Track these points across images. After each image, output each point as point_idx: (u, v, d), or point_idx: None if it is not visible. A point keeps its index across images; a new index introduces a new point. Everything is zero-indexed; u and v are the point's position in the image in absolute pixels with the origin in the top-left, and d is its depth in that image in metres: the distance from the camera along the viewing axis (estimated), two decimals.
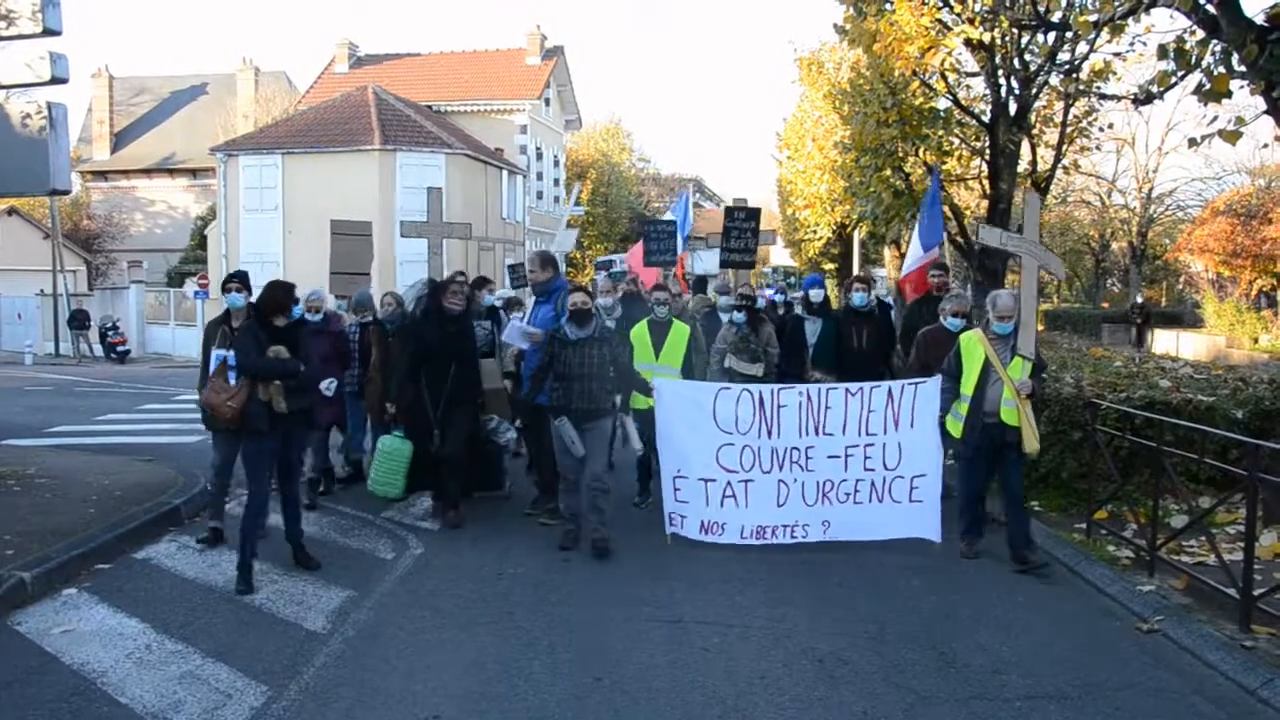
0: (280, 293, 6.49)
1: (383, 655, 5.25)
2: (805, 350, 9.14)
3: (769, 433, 7.27)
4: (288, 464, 6.66)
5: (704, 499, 7.31)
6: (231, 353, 6.43)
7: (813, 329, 9.26)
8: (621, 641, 5.47)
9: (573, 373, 7.14)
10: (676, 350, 8.30)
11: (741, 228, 10.97)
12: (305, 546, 6.85)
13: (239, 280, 7.02)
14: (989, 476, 7.26)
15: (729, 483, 7.30)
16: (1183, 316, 35.92)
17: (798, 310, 9.80)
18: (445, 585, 6.45)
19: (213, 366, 6.71)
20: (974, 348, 7.02)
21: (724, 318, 9.60)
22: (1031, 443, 6.81)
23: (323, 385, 7.66)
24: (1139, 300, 33.39)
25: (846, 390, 7.33)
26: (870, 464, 7.29)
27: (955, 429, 7.15)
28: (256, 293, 6.71)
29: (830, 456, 7.29)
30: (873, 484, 7.30)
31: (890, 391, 7.30)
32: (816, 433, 7.28)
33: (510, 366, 8.83)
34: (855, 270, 30.27)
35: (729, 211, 11.19)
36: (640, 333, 8.36)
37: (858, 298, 9.08)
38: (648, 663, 5.17)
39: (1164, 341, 29.83)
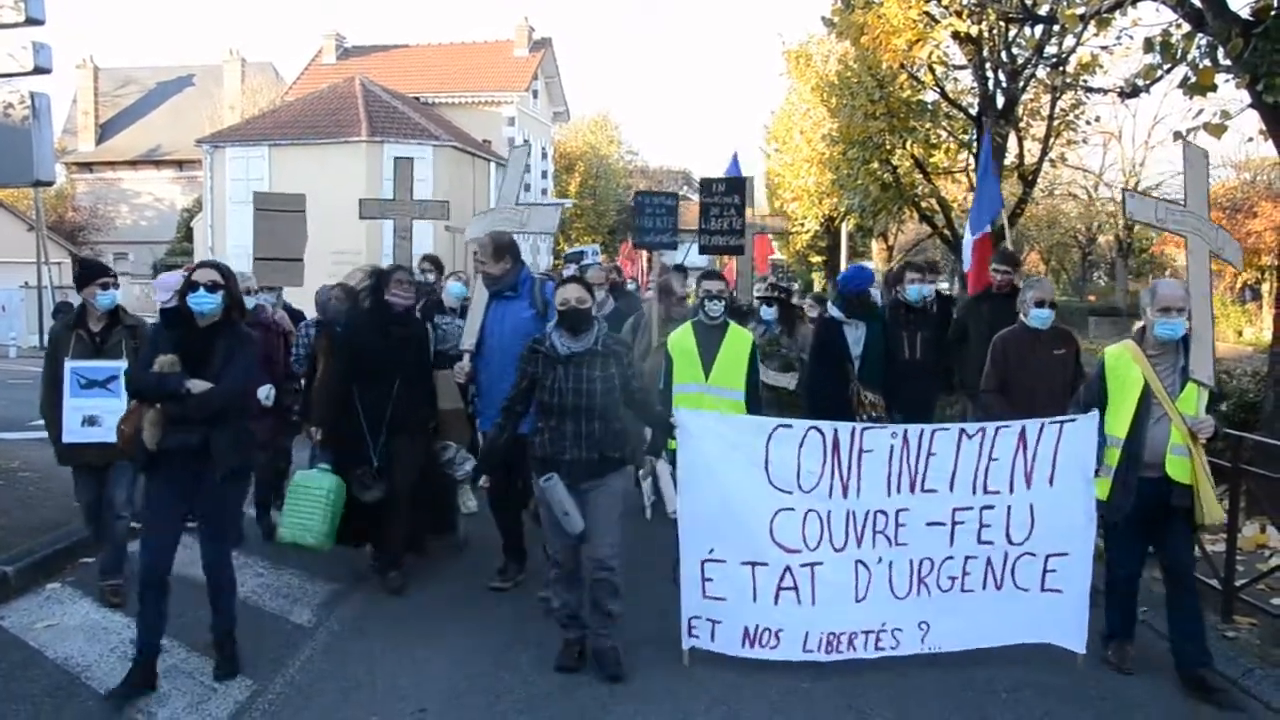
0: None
1: (369, 649, 5.24)
2: (849, 364, 6.99)
3: (844, 490, 4.94)
4: (207, 526, 4.87)
5: (750, 593, 4.93)
6: (93, 364, 5.46)
7: (854, 336, 7.08)
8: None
9: (565, 405, 4.83)
10: (736, 365, 6.03)
11: (722, 204, 8.47)
12: (226, 642, 4.95)
13: (102, 272, 5.70)
14: (1145, 554, 5.25)
15: (788, 568, 4.94)
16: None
17: (831, 310, 7.38)
18: (431, 582, 6.43)
19: (67, 384, 5.57)
20: (1126, 369, 5.01)
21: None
22: (1213, 509, 4.92)
23: (261, 394, 6.57)
24: None
25: (961, 431, 5.04)
26: (987, 535, 5.03)
27: (1100, 488, 5.05)
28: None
29: (930, 524, 5.00)
30: (989, 564, 5.06)
31: (1023, 433, 4.99)
32: (913, 489, 4.97)
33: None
34: (843, 264, 30.30)
35: (705, 185, 8.66)
36: (682, 341, 6.16)
37: (914, 290, 7.16)
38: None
39: None
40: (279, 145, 28.86)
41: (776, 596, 4.95)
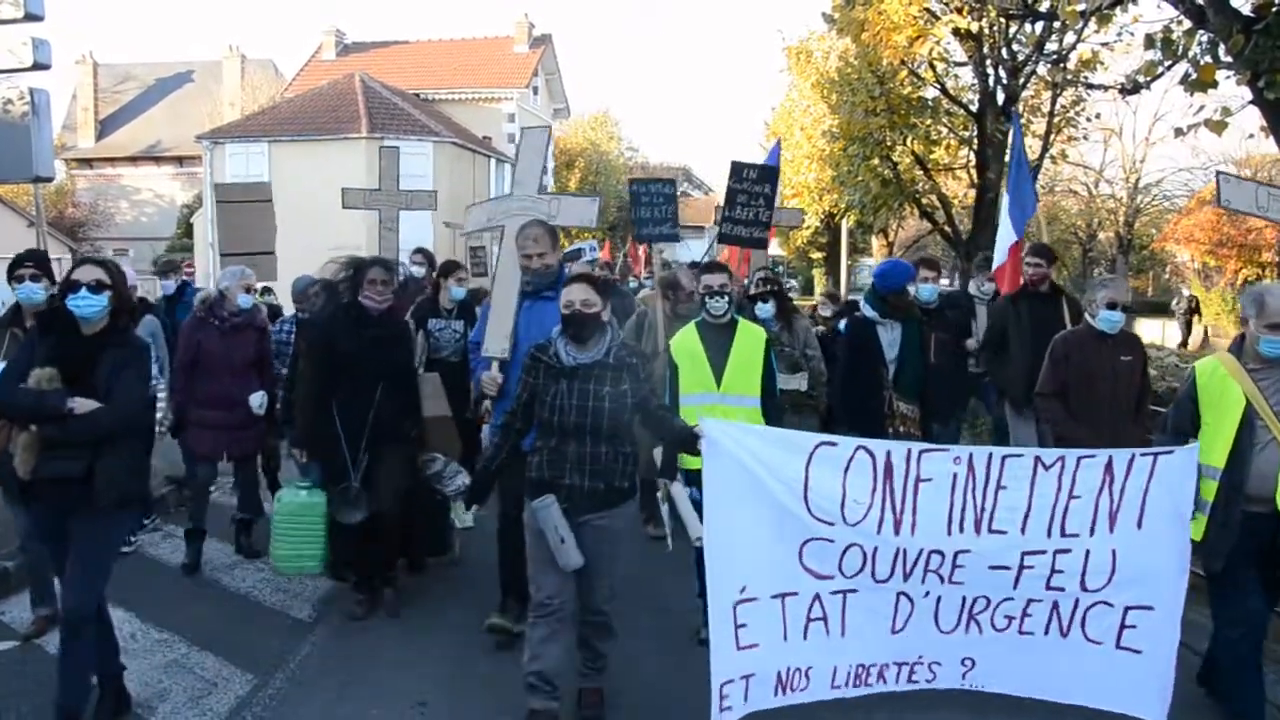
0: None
1: (369, 643, 5.25)
2: (883, 369, 6.38)
3: (896, 525, 4.10)
4: (80, 568, 3.98)
5: (780, 630, 4.15)
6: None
7: (890, 338, 6.45)
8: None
9: (568, 424, 4.20)
10: (750, 370, 5.29)
11: (751, 192, 7.79)
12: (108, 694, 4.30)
13: (35, 264, 4.94)
14: (1267, 609, 4.37)
15: (818, 596, 4.18)
16: (1168, 306, 36.12)
17: (864, 308, 6.71)
18: (431, 579, 6.44)
19: None
20: (1223, 386, 4.37)
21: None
22: None
23: (253, 402, 6.37)
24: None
25: (1038, 460, 4.15)
26: (1059, 580, 4.18)
27: (1195, 528, 4.30)
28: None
29: (994, 568, 4.16)
30: (1055, 608, 4.24)
31: (1110, 466, 4.12)
32: (978, 529, 4.13)
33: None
34: (843, 260, 30.33)
35: (735, 169, 7.87)
36: (687, 344, 5.37)
37: (927, 290, 6.82)
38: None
39: (1150, 331, 29.99)
40: (279, 142, 28.84)
41: (806, 630, 4.16)
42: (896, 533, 4.09)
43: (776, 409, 5.46)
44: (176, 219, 40.18)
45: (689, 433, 4.13)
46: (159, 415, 6.42)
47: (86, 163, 44.76)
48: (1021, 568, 4.15)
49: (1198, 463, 4.20)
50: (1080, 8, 9.11)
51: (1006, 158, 14.40)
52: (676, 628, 5.39)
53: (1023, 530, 4.13)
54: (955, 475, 4.10)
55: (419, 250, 8.84)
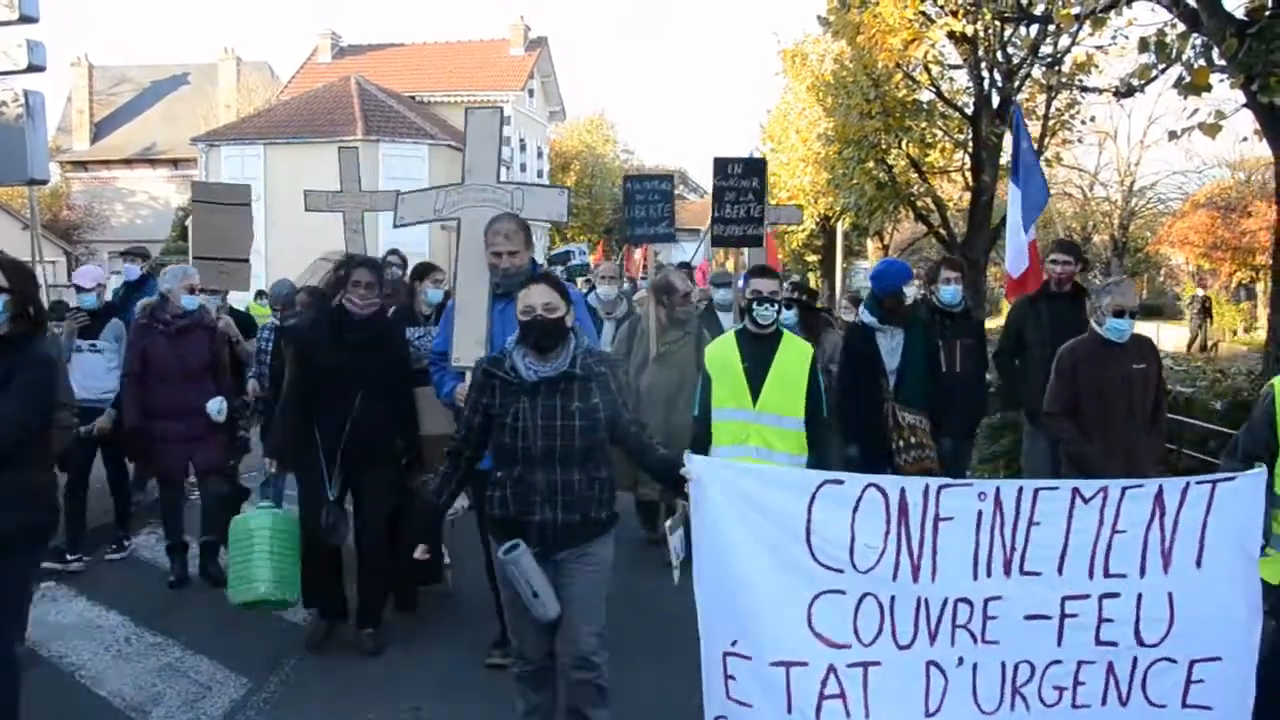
0: None
1: (364, 647, 5.23)
2: (884, 379, 5.84)
3: (915, 571, 3.54)
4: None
5: (783, 701, 3.54)
6: None
7: (890, 344, 5.90)
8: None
9: (533, 449, 3.60)
10: (791, 388, 4.91)
11: (739, 187, 7.27)
12: None
13: None
14: None
15: (833, 669, 3.55)
16: (1163, 309, 36.19)
17: (863, 314, 6.15)
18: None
19: None
20: None
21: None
22: None
23: (211, 409, 6.05)
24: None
25: (1075, 492, 3.58)
26: (1110, 633, 3.60)
27: (1268, 569, 3.75)
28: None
29: (1031, 617, 3.57)
30: (1111, 671, 3.61)
31: (1160, 496, 3.58)
32: (1008, 571, 3.56)
33: None
34: (838, 262, 30.36)
35: (719, 166, 7.31)
36: (724, 354, 5.05)
37: (949, 292, 6.16)
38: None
39: (1144, 333, 29.96)
40: (274, 144, 28.88)
41: (819, 709, 3.52)
42: (915, 579, 3.53)
43: (824, 434, 5.00)
44: (172, 222, 39.99)
45: (671, 465, 3.58)
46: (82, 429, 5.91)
47: (81, 165, 44.71)
48: (1064, 617, 3.56)
49: (1269, 488, 3.63)
50: (1075, 11, 9.13)
51: (1003, 160, 14.49)
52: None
53: (1060, 570, 3.56)
54: (980, 512, 3.55)
55: (393, 251, 8.28)
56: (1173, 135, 7.67)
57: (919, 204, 16.47)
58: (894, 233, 31.58)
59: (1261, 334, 27.14)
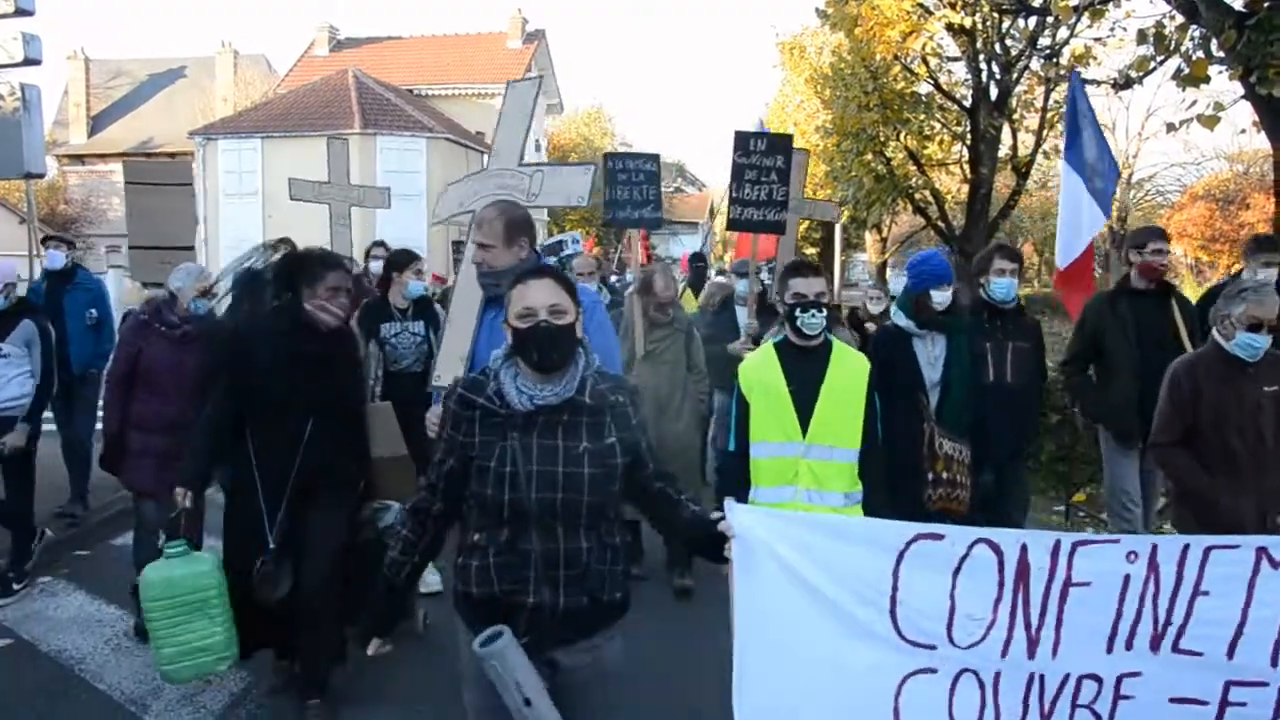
0: None
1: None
2: (924, 395, 4.76)
3: (1032, 646, 2.72)
4: None
5: None
6: None
7: (930, 355, 4.83)
8: None
9: (525, 503, 2.57)
10: (848, 412, 4.04)
11: (761, 166, 6.22)
12: None
13: None
14: None
15: None
16: None
17: (896, 317, 5.03)
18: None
19: None
20: None
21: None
22: None
23: None
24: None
25: (1263, 553, 2.69)
26: None
27: None
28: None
29: (1180, 701, 2.74)
30: None
31: None
32: (1155, 647, 2.72)
33: None
34: (837, 256, 30.28)
35: (740, 140, 6.29)
36: (763, 374, 4.10)
37: (1002, 287, 5.12)
38: None
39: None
40: (272, 137, 28.80)
41: None
42: (1031, 656, 2.73)
43: (878, 463, 4.12)
44: None
45: (709, 527, 2.66)
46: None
47: (78, 159, 44.63)
48: (1225, 705, 2.72)
49: None
50: (1073, 3, 9.14)
51: (1001, 152, 14.50)
52: None
53: (1230, 654, 2.71)
54: (1128, 577, 2.71)
55: (378, 243, 7.65)
56: (1171, 127, 7.68)
57: (917, 196, 16.49)
58: (892, 225, 31.55)
59: None
